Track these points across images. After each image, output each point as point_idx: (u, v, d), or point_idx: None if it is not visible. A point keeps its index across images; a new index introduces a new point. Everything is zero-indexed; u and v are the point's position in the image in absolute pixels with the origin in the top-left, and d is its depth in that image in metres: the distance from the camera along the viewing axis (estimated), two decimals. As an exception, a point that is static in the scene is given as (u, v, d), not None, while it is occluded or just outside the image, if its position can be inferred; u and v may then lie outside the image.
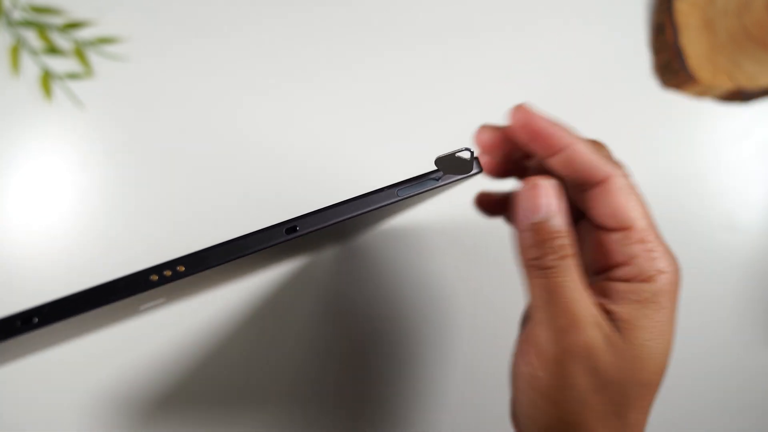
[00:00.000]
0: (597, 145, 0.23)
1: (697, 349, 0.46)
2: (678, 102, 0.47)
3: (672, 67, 0.45)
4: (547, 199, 0.20)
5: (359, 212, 0.20)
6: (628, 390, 0.21)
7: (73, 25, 0.41)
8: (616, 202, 0.21)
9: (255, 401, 0.42)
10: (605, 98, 0.46)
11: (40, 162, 0.41)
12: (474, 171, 0.21)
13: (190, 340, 0.41)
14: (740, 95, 0.46)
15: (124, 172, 0.42)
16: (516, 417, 0.25)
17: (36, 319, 0.17)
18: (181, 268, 0.18)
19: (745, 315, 0.47)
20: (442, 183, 0.21)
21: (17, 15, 0.41)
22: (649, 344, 0.21)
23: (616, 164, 0.22)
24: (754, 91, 0.45)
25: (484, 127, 0.24)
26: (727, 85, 0.45)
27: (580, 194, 0.23)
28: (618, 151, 0.46)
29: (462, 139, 0.32)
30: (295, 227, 0.20)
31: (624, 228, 0.21)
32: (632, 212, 0.21)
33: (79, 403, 0.40)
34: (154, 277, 0.18)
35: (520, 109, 0.22)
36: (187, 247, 0.42)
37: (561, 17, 0.46)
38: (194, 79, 0.43)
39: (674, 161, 0.47)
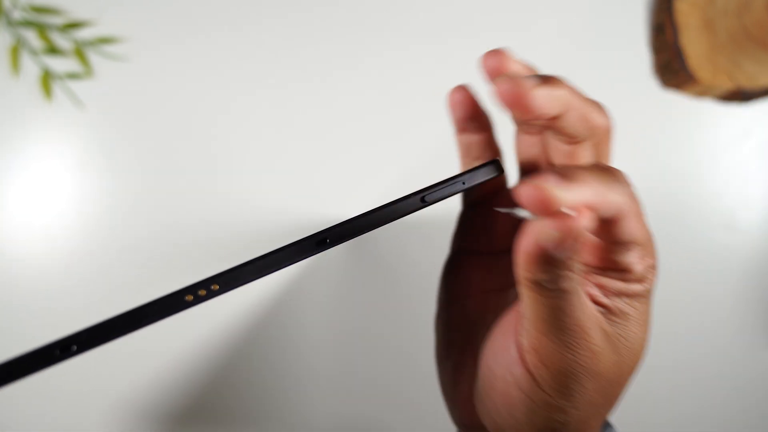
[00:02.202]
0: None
1: (697, 349, 0.46)
2: (678, 102, 0.47)
3: (672, 67, 0.45)
4: (572, 240, 0.17)
5: (387, 221, 0.20)
6: (623, 381, 0.21)
7: (73, 25, 0.41)
8: (633, 227, 0.20)
9: (263, 403, 0.42)
10: (605, 98, 0.46)
11: (40, 162, 0.41)
12: (497, 174, 0.22)
13: (202, 343, 0.41)
14: (740, 95, 0.46)
15: (124, 172, 0.42)
16: (489, 416, 0.24)
17: (75, 347, 0.17)
18: (216, 287, 0.19)
19: (745, 315, 0.47)
20: (467, 186, 0.21)
21: (17, 15, 0.41)
22: (638, 334, 0.21)
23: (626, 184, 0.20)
24: (754, 91, 0.45)
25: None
26: (727, 85, 0.45)
27: None
28: (618, 152, 0.46)
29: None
30: (325, 239, 0.20)
31: (633, 243, 0.20)
32: (642, 231, 0.20)
33: (95, 411, 0.40)
34: (189, 298, 0.18)
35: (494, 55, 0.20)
36: (187, 247, 0.42)
37: (560, 17, 0.46)
38: (195, 78, 0.43)
39: (674, 161, 0.47)
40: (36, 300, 0.40)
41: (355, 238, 0.20)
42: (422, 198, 0.21)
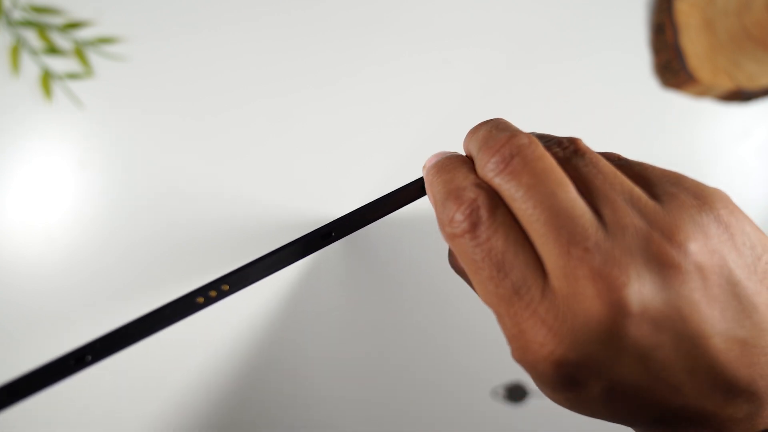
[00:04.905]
0: None
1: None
2: (678, 102, 0.47)
3: (672, 67, 0.45)
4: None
5: (388, 210, 0.20)
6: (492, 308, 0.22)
7: (73, 25, 0.41)
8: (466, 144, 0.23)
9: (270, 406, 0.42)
10: (605, 98, 0.46)
11: (40, 161, 0.41)
12: None
13: (200, 345, 0.41)
14: (740, 95, 0.46)
15: (124, 172, 0.42)
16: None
17: (89, 357, 0.17)
18: (226, 287, 0.18)
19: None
20: None
21: (17, 15, 0.41)
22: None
23: None
24: (754, 91, 0.45)
25: None
26: (727, 85, 0.45)
27: None
28: (619, 152, 0.46)
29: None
30: (330, 232, 0.20)
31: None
32: (473, 145, 0.22)
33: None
34: (200, 300, 0.18)
35: None
36: (187, 246, 0.42)
37: (561, 18, 0.46)
38: (194, 78, 0.43)
39: (674, 161, 0.47)
40: (36, 300, 0.40)
41: (357, 232, 0.20)
42: (422, 186, 0.20)
